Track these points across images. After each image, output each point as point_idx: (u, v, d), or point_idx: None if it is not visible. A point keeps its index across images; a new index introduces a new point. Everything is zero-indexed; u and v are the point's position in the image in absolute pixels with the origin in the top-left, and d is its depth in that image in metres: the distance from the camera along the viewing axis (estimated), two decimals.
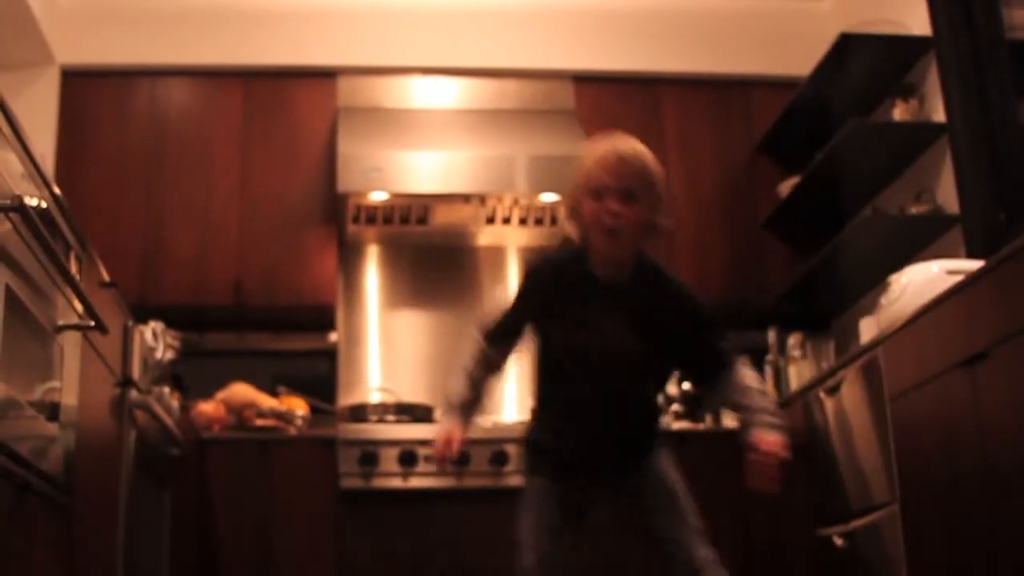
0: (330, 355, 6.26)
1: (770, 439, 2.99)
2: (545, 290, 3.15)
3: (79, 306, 2.95)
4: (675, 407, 6.01)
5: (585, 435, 3.20)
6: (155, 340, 4.85)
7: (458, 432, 3.20)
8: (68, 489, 2.88)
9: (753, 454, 3.00)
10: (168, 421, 4.04)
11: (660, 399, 3.31)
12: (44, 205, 2.77)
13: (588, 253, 3.09)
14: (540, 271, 3.23)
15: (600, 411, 3.17)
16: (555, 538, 3.13)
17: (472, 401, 3.31)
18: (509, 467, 5.26)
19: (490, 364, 3.31)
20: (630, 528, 3.27)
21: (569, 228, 3.15)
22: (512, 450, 5.28)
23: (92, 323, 2.96)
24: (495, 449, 5.30)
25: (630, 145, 3.04)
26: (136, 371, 3.65)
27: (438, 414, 5.79)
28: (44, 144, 5.75)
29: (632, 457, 3.21)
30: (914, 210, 5.21)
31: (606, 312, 3.09)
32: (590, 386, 3.14)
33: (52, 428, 2.79)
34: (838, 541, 4.46)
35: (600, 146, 3.05)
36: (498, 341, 3.26)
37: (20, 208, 2.36)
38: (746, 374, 3.15)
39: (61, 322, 2.87)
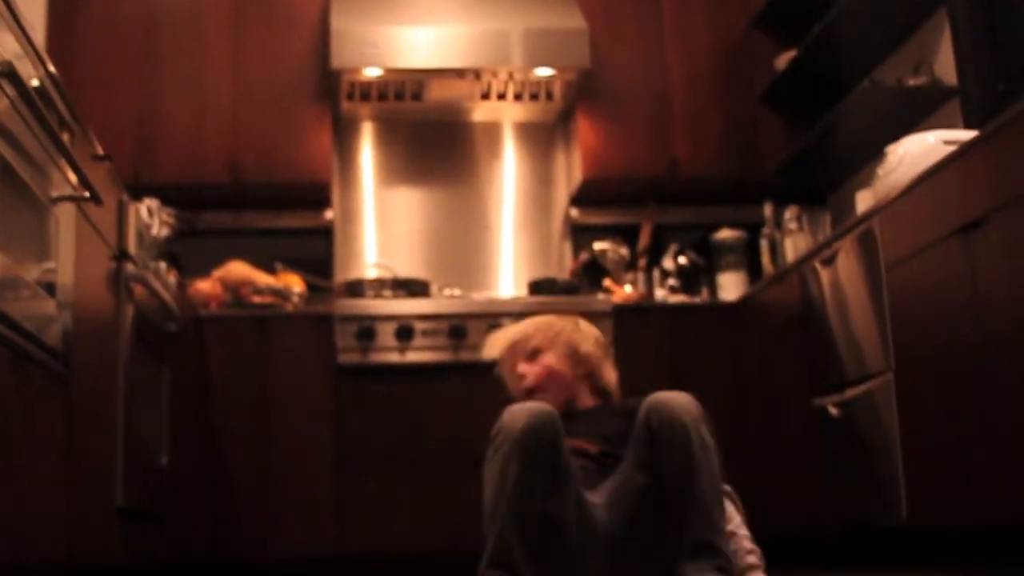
0: (326, 233, 6.27)
1: None
2: None
3: (73, 177, 2.94)
4: (671, 281, 6.04)
5: None
6: (150, 217, 4.85)
7: None
8: (66, 360, 2.90)
9: None
10: (165, 296, 4.04)
11: None
12: (36, 81, 2.75)
13: None
14: None
15: None
16: None
17: None
18: None
19: None
20: None
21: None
22: (508, 324, 5.28)
23: (87, 194, 2.96)
24: (491, 323, 5.31)
25: (524, 322, 3.25)
26: (132, 245, 3.65)
27: (434, 289, 5.82)
28: (33, 19, 5.68)
29: None
30: (912, 82, 5.18)
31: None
32: None
33: (49, 301, 2.80)
34: (833, 411, 4.49)
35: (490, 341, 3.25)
36: None
37: (10, 75, 2.34)
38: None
39: (56, 194, 2.87)
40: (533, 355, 3.11)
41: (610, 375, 3.20)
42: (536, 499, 2.61)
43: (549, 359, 3.10)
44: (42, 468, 2.74)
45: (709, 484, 2.65)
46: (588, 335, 3.20)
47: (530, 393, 3.07)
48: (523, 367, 3.11)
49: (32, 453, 2.65)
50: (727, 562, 2.62)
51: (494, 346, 3.23)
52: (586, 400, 3.14)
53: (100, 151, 3.35)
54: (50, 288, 2.82)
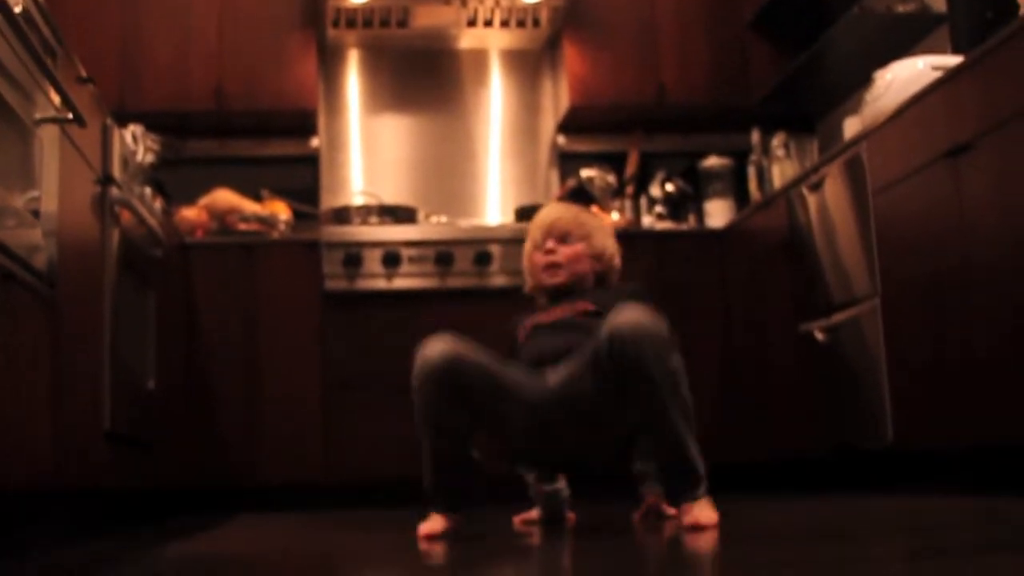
0: (312, 161, 6.24)
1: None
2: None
3: (57, 99, 2.91)
4: (658, 208, 6.03)
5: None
6: (135, 143, 4.83)
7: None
8: (52, 282, 2.89)
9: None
10: (151, 221, 4.03)
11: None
12: (20, 7, 2.72)
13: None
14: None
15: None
16: None
17: None
18: (493, 267, 5.30)
19: None
20: None
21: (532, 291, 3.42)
22: (496, 251, 5.31)
23: (70, 116, 2.93)
24: (479, 249, 5.32)
25: (561, 206, 3.51)
26: (117, 169, 3.63)
27: (421, 216, 5.81)
28: None
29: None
30: (901, 8, 5.15)
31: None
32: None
33: (34, 224, 2.79)
34: (819, 335, 4.51)
35: (537, 216, 3.42)
36: None
37: None
38: None
39: (39, 116, 2.85)
40: (566, 239, 3.31)
41: (615, 279, 3.42)
42: (449, 436, 2.97)
43: (580, 247, 3.31)
44: (28, 389, 2.74)
45: (678, 408, 2.79)
46: (616, 247, 3.42)
47: (550, 267, 3.29)
48: (552, 243, 3.30)
49: (18, 374, 2.65)
50: (700, 470, 2.81)
51: (540, 220, 3.39)
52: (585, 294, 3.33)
53: (84, 73, 3.33)
54: (35, 212, 2.80)
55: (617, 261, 3.41)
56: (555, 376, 2.98)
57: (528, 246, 3.40)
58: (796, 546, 2.24)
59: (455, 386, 2.91)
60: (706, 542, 2.44)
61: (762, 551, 2.19)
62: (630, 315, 2.80)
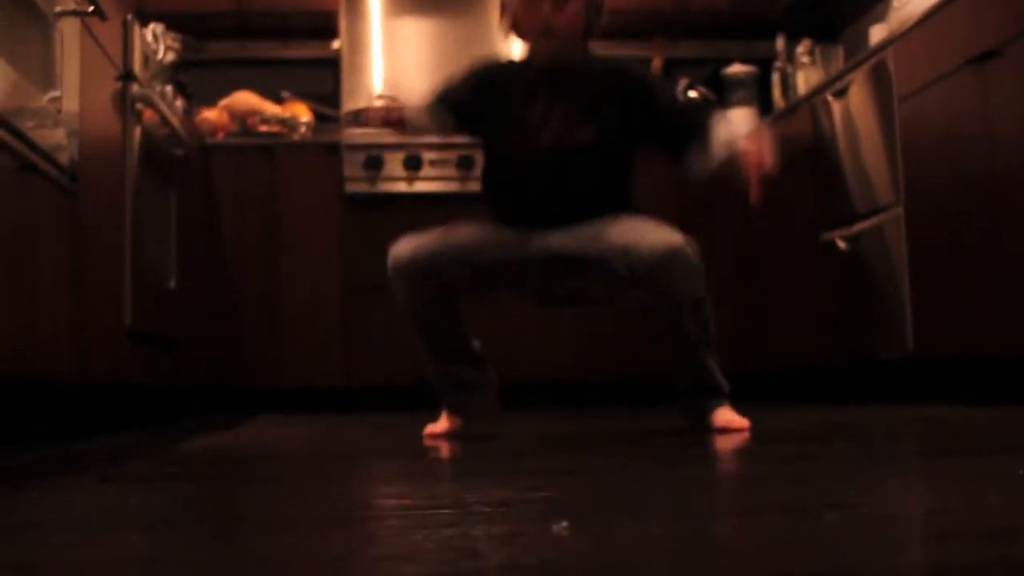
0: (333, 63, 6.20)
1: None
2: (483, 79, 3.17)
3: None
4: None
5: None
6: (156, 42, 4.81)
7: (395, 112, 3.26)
8: (73, 175, 2.88)
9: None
10: (172, 119, 4.02)
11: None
12: None
13: (530, 59, 3.12)
14: (481, 64, 3.30)
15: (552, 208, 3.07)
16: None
17: (414, 123, 3.29)
18: None
19: (431, 117, 3.28)
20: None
21: (509, 38, 3.18)
22: None
23: (91, 8, 2.92)
24: None
25: None
26: (138, 66, 3.61)
27: None
28: None
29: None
30: None
31: (551, 105, 3.03)
32: (540, 184, 3.06)
33: (57, 121, 2.78)
34: (841, 244, 4.49)
35: None
36: (441, 100, 3.22)
37: None
38: (721, 126, 3.11)
39: (60, 8, 2.83)
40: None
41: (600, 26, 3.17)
42: (439, 328, 3.03)
43: (579, 6, 2.98)
44: (50, 281, 2.75)
45: (699, 333, 2.88)
46: None
47: (547, 34, 2.97)
48: (549, 8, 2.94)
49: (40, 266, 2.66)
50: (724, 385, 2.93)
51: None
52: (577, 51, 3.09)
53: None
54: (57, 111, 2.80)
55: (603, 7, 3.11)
56: (557, 241, 2.99)
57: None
58: (817, 444, 2.25)
59: (434, 285, 2.95)
60: (731, 440, 2.47)
61: (785, 447, 2.21)
62: (661, 238, 2.84)
